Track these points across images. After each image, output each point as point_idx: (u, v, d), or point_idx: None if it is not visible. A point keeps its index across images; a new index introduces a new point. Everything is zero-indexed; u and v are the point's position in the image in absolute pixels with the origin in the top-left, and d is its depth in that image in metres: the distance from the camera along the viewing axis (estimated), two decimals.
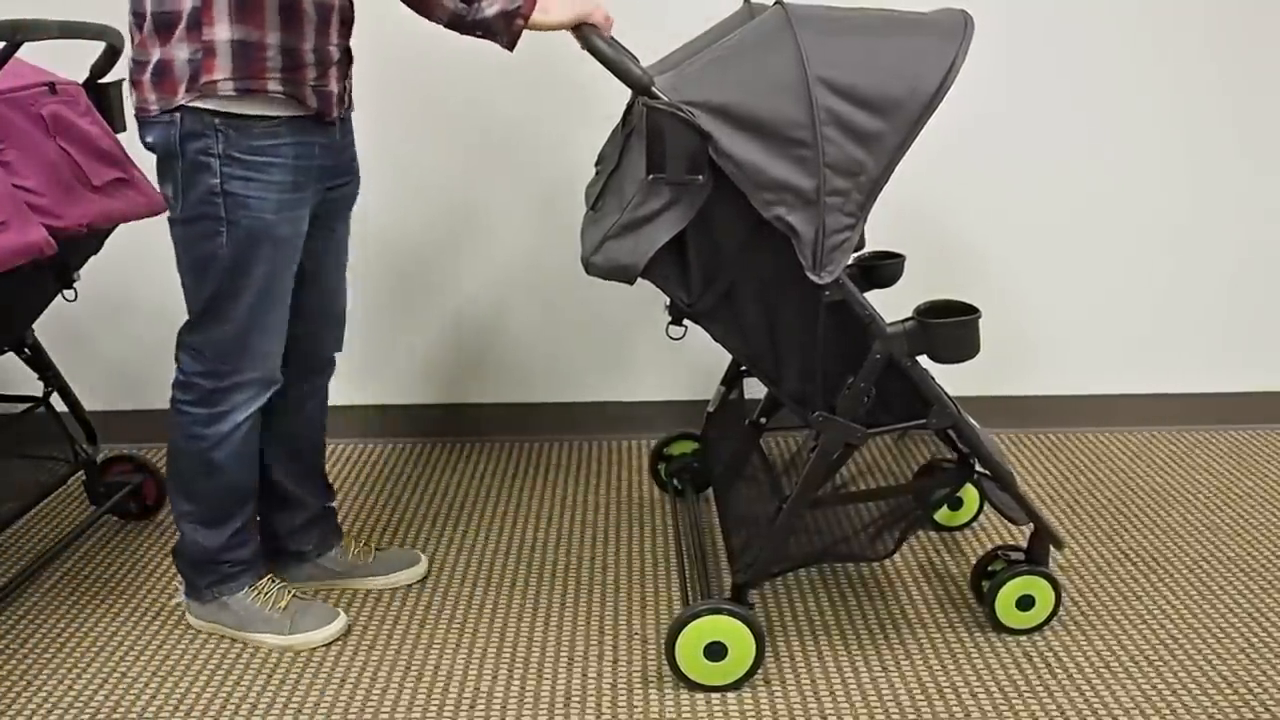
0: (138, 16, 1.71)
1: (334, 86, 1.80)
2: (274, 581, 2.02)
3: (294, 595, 2.01)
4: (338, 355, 2.10)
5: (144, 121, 1.75)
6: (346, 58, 1.85)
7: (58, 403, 2.33)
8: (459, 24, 1.67)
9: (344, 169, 1.92)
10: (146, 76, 1.71)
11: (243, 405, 1.87)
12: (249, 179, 1.72)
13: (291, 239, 1.80)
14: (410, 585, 2.16)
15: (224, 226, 1.74)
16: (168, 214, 1.80)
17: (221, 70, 1.66)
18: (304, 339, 2.00)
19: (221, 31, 1.65)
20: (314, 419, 2.10)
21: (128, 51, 2.11)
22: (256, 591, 1.98)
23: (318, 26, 1.72)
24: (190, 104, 1.68)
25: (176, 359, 1.89)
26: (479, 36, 1.68)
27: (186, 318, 1.86)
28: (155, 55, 1.70)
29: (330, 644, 1.97)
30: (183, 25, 1.66)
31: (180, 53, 1.67)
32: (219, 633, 1.99)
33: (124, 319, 2.79)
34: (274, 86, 1.69)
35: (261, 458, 2.03)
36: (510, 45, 1.68)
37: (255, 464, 1.95)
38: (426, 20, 1.69)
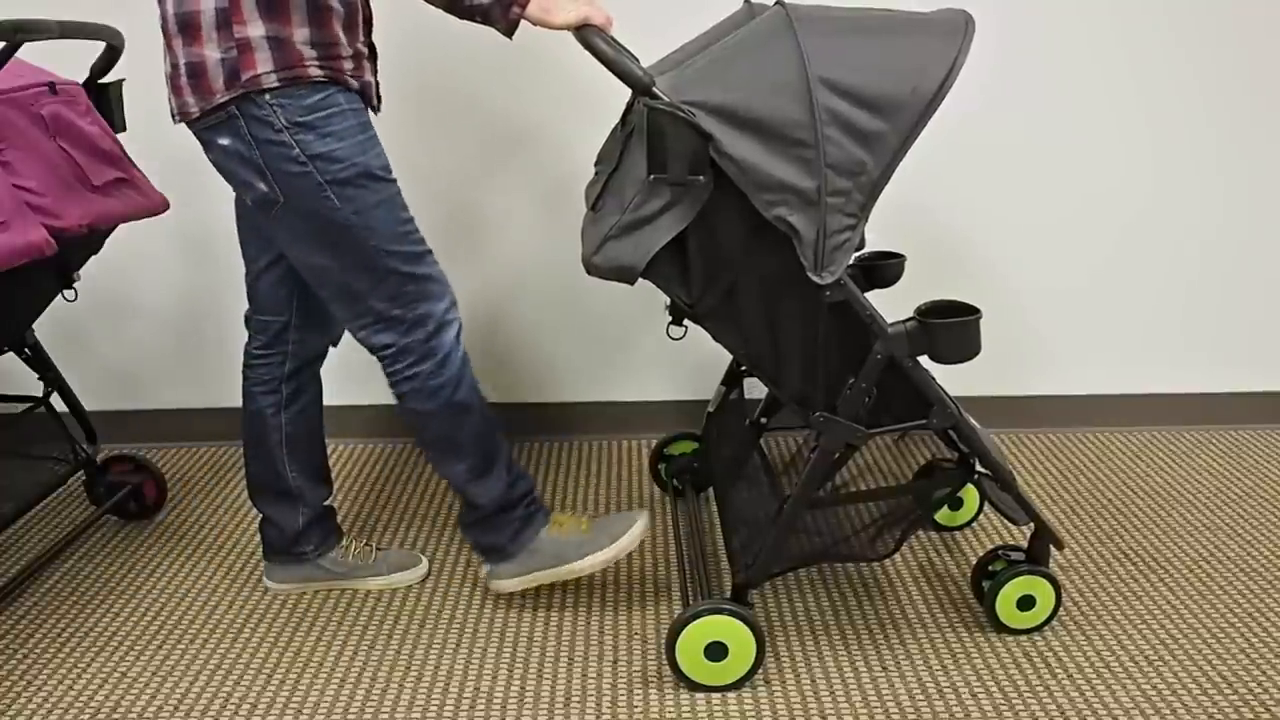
0: (163, 19, 1.73)
1: (370, 79, 1.83)
2: (559, 515, 2.01)
3: (588, 515, 2.00)
4: (336, 353, 2.11)
5: (204, 128, 1.75)
6: (373, 53, 1.88)
7: (58, 403, 2.33)
8: (455, 6, 1.67)
9: None
10: (184, 80, 1.72)
11: (454, 338, 1.88)
12: (322, 134, 1.72)
13: (386, 168, 1.81)
14: (410, 585, 2.16)
15: (327, 189, 1.74)
16: (274, 210, 1.77)
17: (263, 64, 1.67)
18: (309, 328, 2.02)
19: (254, 29, 1.66)
20: (314, 406, 2.10)
21: (129, 52, 2.11)
22: (556, 524, 1.99)
23: (345, 23, 1.74)
24: (235, 96, 1.68)
25: (369, 343, 1.86)
26: (478, 21, 1.68)
27: (350, 302, 1.82)
28: (184, 57, 1.71)
29: (332, 644, 1.97)
30: (209, 24, 1.67)
31: (211, 52, 1.68)
32: (537, 582, 1.98)
33: (124, 319, 2.79)
34: (315, 71, 1.70)
35: (269, 455, 2.04)
36: (509, 32, 1.68)
37: (482, 394, 1.95)
38: (424, 1, 1.69)
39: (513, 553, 1.98)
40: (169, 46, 1.74)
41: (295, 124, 1.70)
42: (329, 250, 1.79)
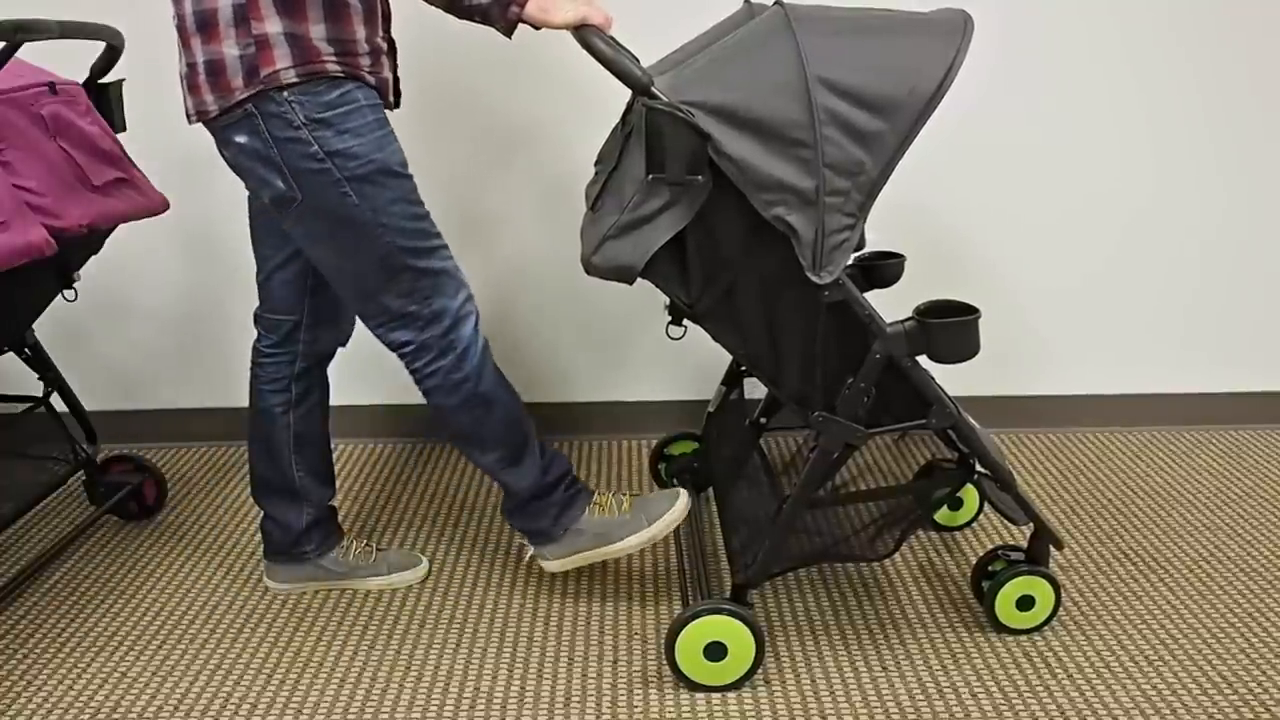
0: (180, 19, 1.72)
1: (387, 74, 1.82)
2: (604, 494, 2.03)
3: (630, 494, 2.03)
4: (340, 351, 2.11)
5: (222, 126, 1.74)
6: (392, 48, 1.87)
7: (58, 403, 2.33)
8: (454, 6, 1.67)
9: None
10: (201, 78, 1.71)
11: (472, 330, 1.89)
12: (341, 131, 1.72)
13: (404, 164, 1.81)
14: (410, 586, 2.16)
15: (345, 186, 1.73)
16: (291, 208, 1.76)
17: (281, 60, 1.67)
18: (320, 327, 2.02)
19: (272, 25, 1.66)
20: (322, 406, 2.11)
21: (129, 52, 2.11)
22: (597, 505, 2.00)
23: (365, 18, 1.74)
24: (255, 92, 1.68)
25: (388, 341, 1.87)
26: (477, 21, 1.68)
27: (367, 299, 1.82)
28: (202, 55, 1.70)
29: (332, 644, 1.97)
30: (226, 22, 1.66)
31: (230, 49, 1.67)
32: (583, 562, 1.99)
33: (124, 319, 2.79)
34: (333, 67, 1.70)
35: (275, 454, 2.05)
36: (508, 32, 1.68)
37: (507, 381, 1.96)
38: (424, 1, 1.68)
39: (556, 535, 1.99)
40: (185, 46, 1.73)
41: (313, 120, 1.70)
42: (344, 248, 1.79)
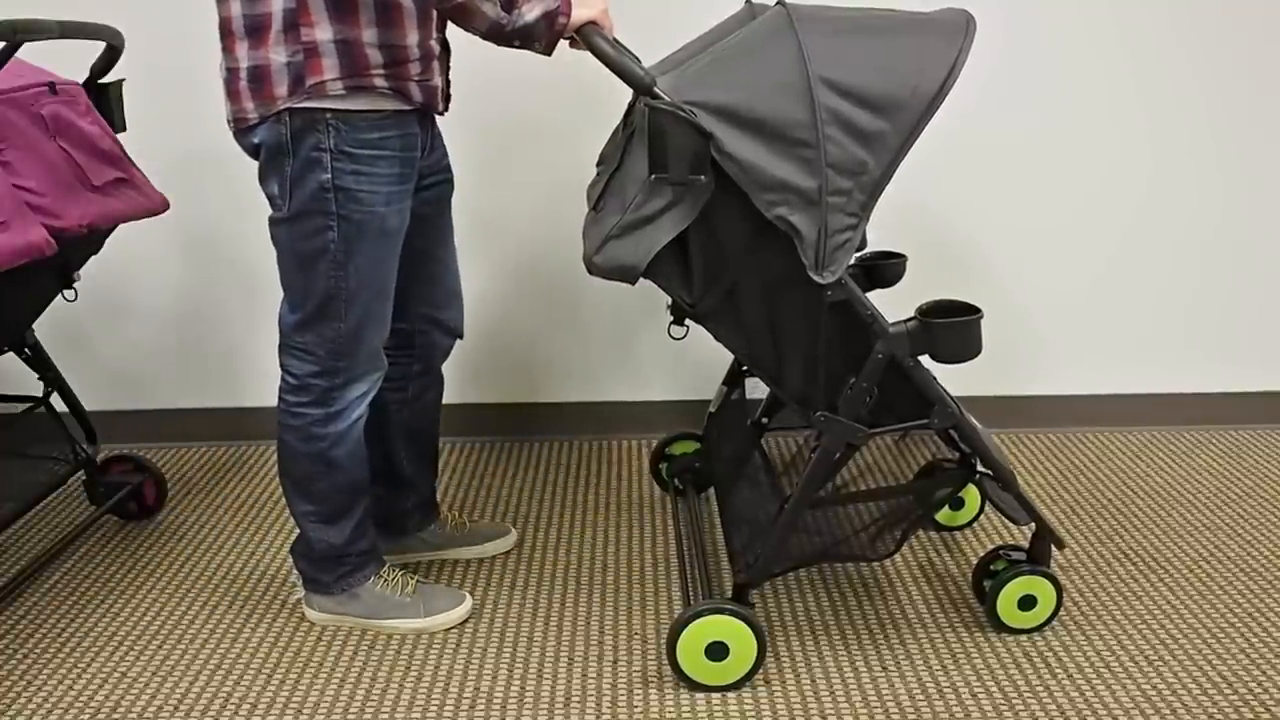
0: (225, 21, 1.69)
1: (437, 80, 1.80)
2: (395, 569, 2.04)
3: (417, 580, 2.04)
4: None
5: (245, 129, 1.73)
6: (445, 51, 1.85)
7: (58, 403, 2.33)
8: (498, 34, 1.64)
9: (439, 166, 1.95)
10: (243, 84, 1.69)
11: (358, 401, 1.88)
12: (360, 173, 1.71)
13: (399, 230, 1.80)
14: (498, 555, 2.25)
15: (335, 221, 1.72)
16: (270, 213, 1.77)
17: (330, 70, 1.65)
18: (437, 319, 2.05)
19: (323, 32, 1.63)
20: (436, 403, 2.15)
21: (129, 52, 2.10)
22: (383, 580, 2.00)
23: (419, 20, 1.71)
24: (297, 105, 1.66)
25: (282, 363, 1.86)
26: (516, 46, 1.66)
27: (293, 318, 1.82)
28: (247, 60, 1.67)
29: (332, 644, 1.97)
30: (277, 27, 1.64)
31: (277, 55, 1.65)
32: (346, 624, 2.01)
33: (124, 319, 2.79)
34: (380, 82, 1.68)
35: (387, 447, 2.08)
36: (549, 50, 1.66)
37: (366, 455, 1.95)
38: (464, 32, 1.66)
39: (333, 592, 1.99)
40: (229, 50, 1.70)
41: (341, 151, 1.68)
42: (301, 267, 1.78)
